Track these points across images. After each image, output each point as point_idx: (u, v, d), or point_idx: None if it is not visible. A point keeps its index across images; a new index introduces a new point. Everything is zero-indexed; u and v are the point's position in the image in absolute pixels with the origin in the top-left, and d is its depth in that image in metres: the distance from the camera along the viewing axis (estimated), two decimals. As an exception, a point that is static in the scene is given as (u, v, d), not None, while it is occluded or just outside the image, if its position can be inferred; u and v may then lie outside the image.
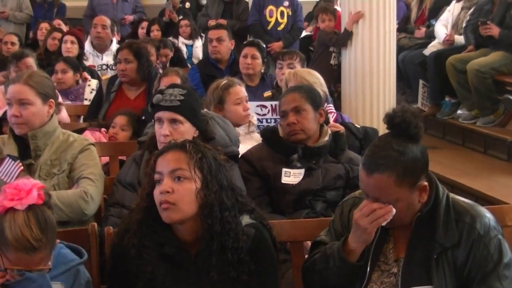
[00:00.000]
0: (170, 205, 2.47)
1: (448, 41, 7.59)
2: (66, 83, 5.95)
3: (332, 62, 7.30)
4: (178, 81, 4.72)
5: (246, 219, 2.60)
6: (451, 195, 2.59)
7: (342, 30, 6.88)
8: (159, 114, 3.32)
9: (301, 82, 4.42)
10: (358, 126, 4.58)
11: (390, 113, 2.53)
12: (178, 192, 2.48)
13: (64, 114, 5.11)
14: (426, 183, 2.50)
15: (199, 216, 2.50)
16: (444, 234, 2.47)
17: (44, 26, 8.50)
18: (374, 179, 2.45)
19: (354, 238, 2.53)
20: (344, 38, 6.74)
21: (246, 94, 4.45)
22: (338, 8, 9.05)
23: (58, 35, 7.58)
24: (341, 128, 4.08)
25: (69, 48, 6.88)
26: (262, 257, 2.56)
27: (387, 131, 2.55)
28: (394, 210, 2.44)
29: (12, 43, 7.84)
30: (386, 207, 2.45)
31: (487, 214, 2.53)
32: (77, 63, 6.20)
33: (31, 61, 5.53)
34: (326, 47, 7.39)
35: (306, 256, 3.12)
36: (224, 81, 4.42)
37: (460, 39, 7.53)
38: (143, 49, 5.54)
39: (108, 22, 7.57)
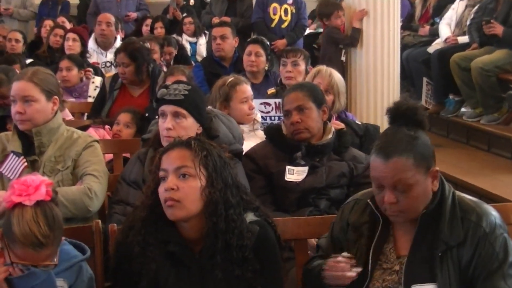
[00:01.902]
0: (174, 203, 2.46)
1: (450, 42, 7.59)
2: (71, 81, 5.95)
3: (342, 58, 7.18)
4: (184, 80, 4.71)
5: (250, 217, 2.60)
6: (457, 193, 2.59)
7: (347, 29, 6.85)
8: (163, 107, 3.32)
9: (329, 84, 4.55)
10: (359, 123, 4.58)
11: (393, 105, 2.55)
12: (183, 189, 2.47)
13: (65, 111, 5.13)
14: (437, 168, 2.50)
15: (204, 214, 2.49)
16: (450, 232, 2.47)
17: (48, 23, 8.49)
18: (393, 163, 2.43)
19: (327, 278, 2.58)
20: (355, 37, 6.71)
21: (252, 93, 4.46)
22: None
23: (60, 31, 7.59)
24: (343, 126, 4.09)
25: (71, 45, 6.88)
26: (266, 254, 2.56)
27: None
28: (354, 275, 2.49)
29: (17, 40, 7.84)
30: (349, 273, 2.49)
31: (493, 212, 2.52)
32: (81, 61, 6.20)
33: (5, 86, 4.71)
34: (336, 44, 7.27)
35: (309, 252, 3.13)
36: (230, 78, 4.42)
37: (463, 39, 7.52)
38: (139, 49, 5.46)
39: (112, 19, 7.56)
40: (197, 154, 2.52)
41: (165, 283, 2.51)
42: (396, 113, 2.54)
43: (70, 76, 5.94)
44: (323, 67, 4.74)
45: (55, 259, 2.41)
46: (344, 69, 7.01)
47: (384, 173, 2.46)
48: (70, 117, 5.27)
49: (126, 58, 5.35)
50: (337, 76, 4.70)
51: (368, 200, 2.61)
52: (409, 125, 2.50)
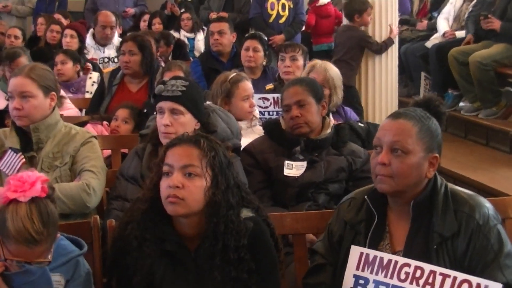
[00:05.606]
0: (178, 200, 2.44)
1: (448, 37, 7.58)
2: (66, 74, 5.94)
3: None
4: (181, 75, 4.71)
5: (245, 212, 2.58)
6: (450, 185, 2.60)
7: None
8: (161, 104, 3.33)
9: (324, 78, 4.56)
10: (362, 126, 4.52)
11: (422, 96, 2.72)
12: (188, 188, 2.45)
13: (71, 106, 5.16)
14: (437, 155, 2.53)
15: (204, 213, 2.48)
16: (443, 224, 2.47)
17: (41, 20, 8.51)
18: (399, 123, 2.52)
19: None
20: (387, 47, 6.69)
21: (253, 90, 4.45)
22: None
23: (56, 27, 7.61)
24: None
25: (69, 42, 6.90)
26: (260, 251, 2.53)
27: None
28: None
29: (16, 37, 7.83)
30: None
31: (486, 204, 2.53)
32: (76, 54, 6.19)
33: (24, 61, 5.41)
34: (364, 49, 6.81)
35: (308, 247, 3.12)
36: (232, 75, 4.41)
37: (461, 33, 7.52)
38: (147, 42, 5.52)
39: (113, 20, 7.54)
40: (206, 154, 2.49)
41: (161, 280, 2.49)
42: (421, 101, 2.67)
43: (65, 69, 5.92)
44: (317, 62, 4.72)
45: (49, 256, 2.41)
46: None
47: (387, 130, 2.53)
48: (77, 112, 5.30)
49: (135, 47, 5.36)
50: (332, 70, 4.69)
51: (366, 197, 2.61)
52: (427, 112, 2.59)
